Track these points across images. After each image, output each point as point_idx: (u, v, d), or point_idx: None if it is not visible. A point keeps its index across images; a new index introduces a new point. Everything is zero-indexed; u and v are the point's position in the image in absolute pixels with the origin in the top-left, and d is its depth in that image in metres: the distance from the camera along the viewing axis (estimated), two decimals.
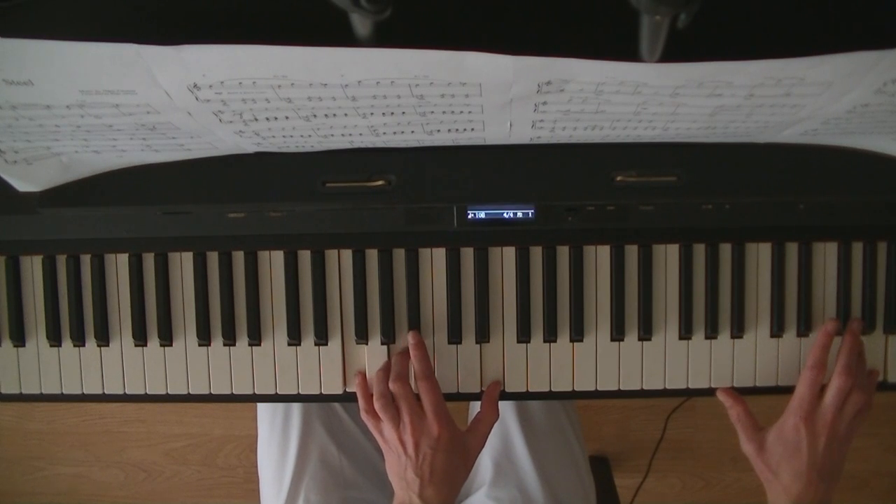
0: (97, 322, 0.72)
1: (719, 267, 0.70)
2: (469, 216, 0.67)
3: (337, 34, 0.39)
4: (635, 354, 0.71)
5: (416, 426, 0.65)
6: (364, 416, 0.69)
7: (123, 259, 0.71)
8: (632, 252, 0.70)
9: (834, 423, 0.65)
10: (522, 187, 0.64)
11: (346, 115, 0.50)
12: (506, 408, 0.85)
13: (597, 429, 1.49)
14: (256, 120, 0.51)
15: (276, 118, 0.51)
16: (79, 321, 0.72)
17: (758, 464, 0.68)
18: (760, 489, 0.69)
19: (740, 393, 0.71)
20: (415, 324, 0.71)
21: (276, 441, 0.84)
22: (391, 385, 0.67)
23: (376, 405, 0.67)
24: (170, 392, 0.73)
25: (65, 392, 0.73)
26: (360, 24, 0.39)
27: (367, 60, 0.42)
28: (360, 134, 0.56)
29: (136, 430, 1.56)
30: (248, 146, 0.58)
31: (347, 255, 0.71)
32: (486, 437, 0.69)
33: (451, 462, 0.65)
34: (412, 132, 0.55)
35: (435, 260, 0.71)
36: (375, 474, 0.87)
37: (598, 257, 0.70)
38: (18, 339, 0.72)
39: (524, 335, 0.71)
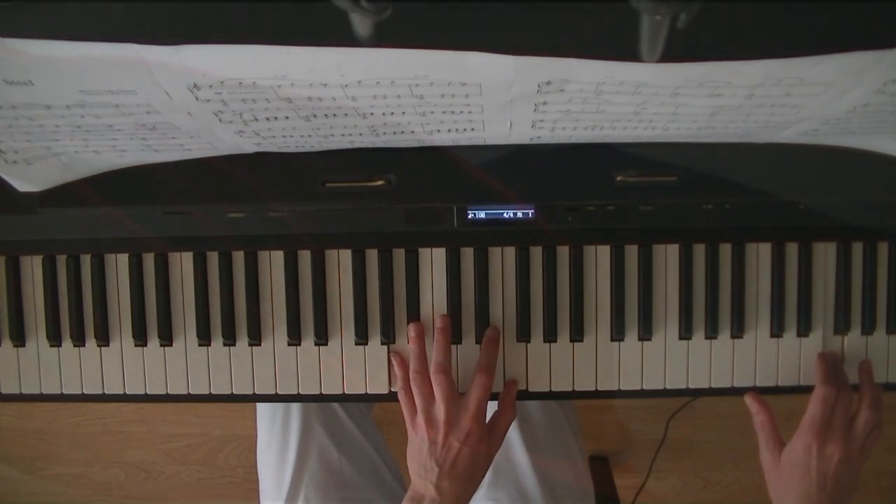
0: (97, 322, 0.72)
1: (719, 267, 0.70)
2: (469, 216, 0.67)
3: (337, 34, 0.39)
4: (635, 354, 0.71)
5: (451, 415, 0.65)
6: (401, 393, 0.68)
7: (123, 259, 0.71)
8: (632, 252, 0.70)
9: (844, 442, 0.64)
10: (522, 187, 0.64)
11: (346, 115, 0.50)
12: None
13: (597, 429, 1.49)
14: (256, 120, 0.51)
15: (276, 118, 0.51)
16: (79, 321, 0.72)
17: (771, 478, 0.68)
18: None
19: (740, 393, 0.71)
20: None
21: (275, 441, 0.84)
22: (432, 377, 0.66)
23: (412, 381, 0.67)
24: (170, 392, 0.73)
25: (65, 392, 0.73)
26: (360, 24, 0.39)
27: (367, 60, 0.42)
28: (360, 134, 0.56)
29: (136, 430, 1.56)
30: (247, 146, 0.58)
31: (347, 255, 0.71)
32: (504, 436, 0.69)
33: (474, 460, 0.65)
34: (412, 132, 0.55)
35: (435, 260, 0.71)
36: (375, 475, 0.86)
37: (598, 257, 0.70)
38: (18, 339, 0.72)
39: (524, 335, 0.71)
